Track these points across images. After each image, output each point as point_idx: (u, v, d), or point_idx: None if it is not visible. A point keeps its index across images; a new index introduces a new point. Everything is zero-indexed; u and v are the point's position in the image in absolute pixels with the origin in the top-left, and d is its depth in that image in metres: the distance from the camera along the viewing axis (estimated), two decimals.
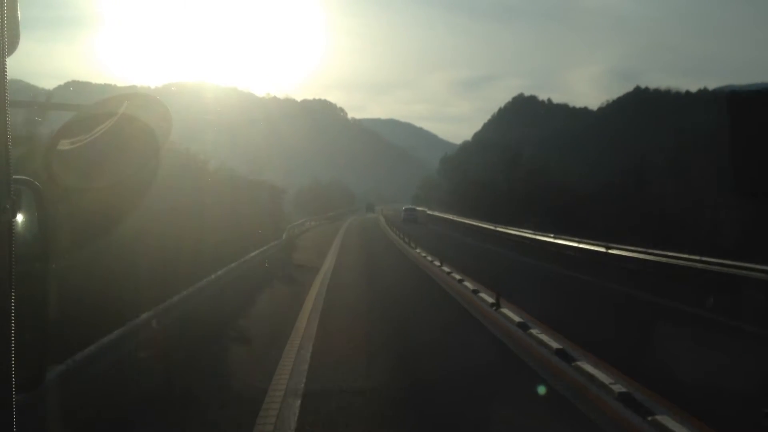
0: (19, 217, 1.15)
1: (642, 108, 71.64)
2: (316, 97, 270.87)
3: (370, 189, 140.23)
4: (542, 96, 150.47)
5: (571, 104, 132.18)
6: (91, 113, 1.39)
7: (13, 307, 1.08)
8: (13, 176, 1.09)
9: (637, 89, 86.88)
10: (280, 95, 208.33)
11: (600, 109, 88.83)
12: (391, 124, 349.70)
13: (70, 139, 1.34)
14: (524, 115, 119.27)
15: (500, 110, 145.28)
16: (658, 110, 67.11)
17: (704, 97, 73.94)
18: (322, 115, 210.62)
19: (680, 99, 76.34)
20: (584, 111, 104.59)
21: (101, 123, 1.37)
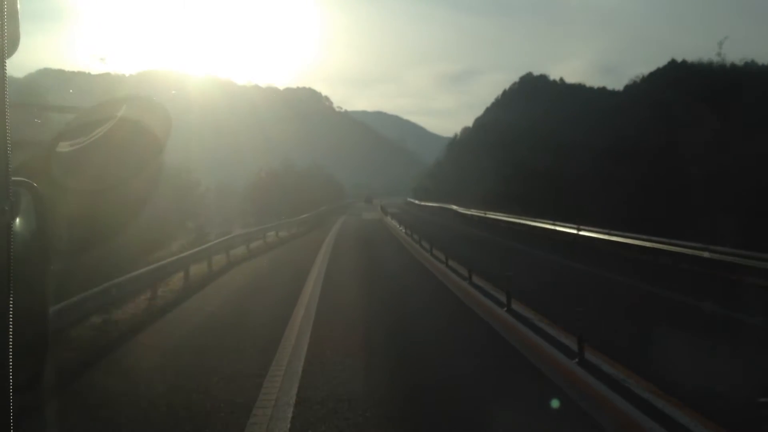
0: (18, 219, 1.15)
1: (683, 84, 59.92)
2: (300, 86, 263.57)
3: (361, 182, 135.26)
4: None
5: (588, 84, 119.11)
6: (91, 116, 1.40)
7: (11, 309, 1.09)
8: (12, 178, 1.10)
9: (672, 63, 75.62)
10: (262, 84, 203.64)
11: (628, 87, 76.07)
12: (379, 116, 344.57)
13: (69, 142, 1.35)
14: (535, 96, 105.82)
15: (505, 92, 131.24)
16: (702, 87, 55.57)
17: (752, 71, 63.50)
18: (306, 105, 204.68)
19: (727, 73, 65.38)
20: (603, 91, 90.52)
21: (101, 125, 1.38)
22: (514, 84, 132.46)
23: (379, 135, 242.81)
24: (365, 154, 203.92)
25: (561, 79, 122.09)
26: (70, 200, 1.30)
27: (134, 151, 1.40)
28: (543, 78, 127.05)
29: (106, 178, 1.39)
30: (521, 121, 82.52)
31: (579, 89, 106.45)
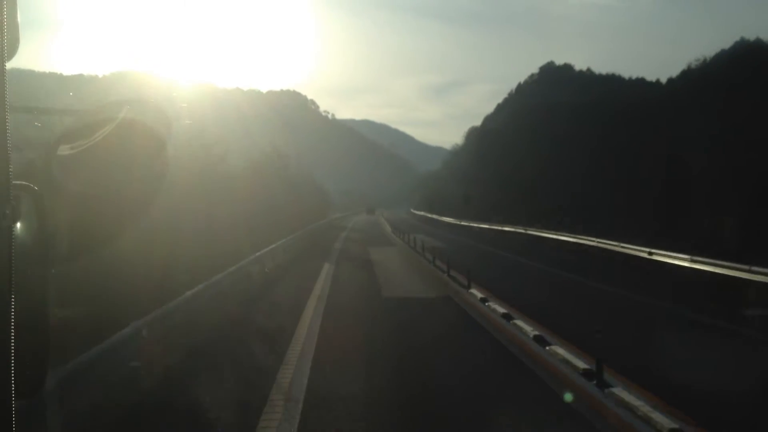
0: (19, 223, 1.14)
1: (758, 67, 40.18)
2: (284, 88, 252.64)
3: (351, 188, 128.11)
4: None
5: (625, 75, 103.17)
6: (91, 118, 1.39)
7: (12, 313, 1.08)
8: (13, 181, 1.09)
9: (742, 42, 56.02)
10: (244, 87, 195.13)
11: (684, 73, 55.80)
12: (366, 124, 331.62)
13: (70, 144, 1.34)
14: (563, 85, 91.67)
15: (520, 85, 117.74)
16: None
17: None
18: (290, 108, 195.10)
19: None
20: (641, 81, 77.86)
21: (102, 127, 1.37)
22: (533, 75, 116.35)
23: (369, 141, 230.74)
24: (355, 160, 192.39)
25: (588, 69, 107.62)
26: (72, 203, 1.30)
27: (137, 153, 1.40)
28: (568, 67, 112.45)
29: (109, 180, 1.38)
30: (562, 106, 65.25)
31: (612, 80, 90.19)
